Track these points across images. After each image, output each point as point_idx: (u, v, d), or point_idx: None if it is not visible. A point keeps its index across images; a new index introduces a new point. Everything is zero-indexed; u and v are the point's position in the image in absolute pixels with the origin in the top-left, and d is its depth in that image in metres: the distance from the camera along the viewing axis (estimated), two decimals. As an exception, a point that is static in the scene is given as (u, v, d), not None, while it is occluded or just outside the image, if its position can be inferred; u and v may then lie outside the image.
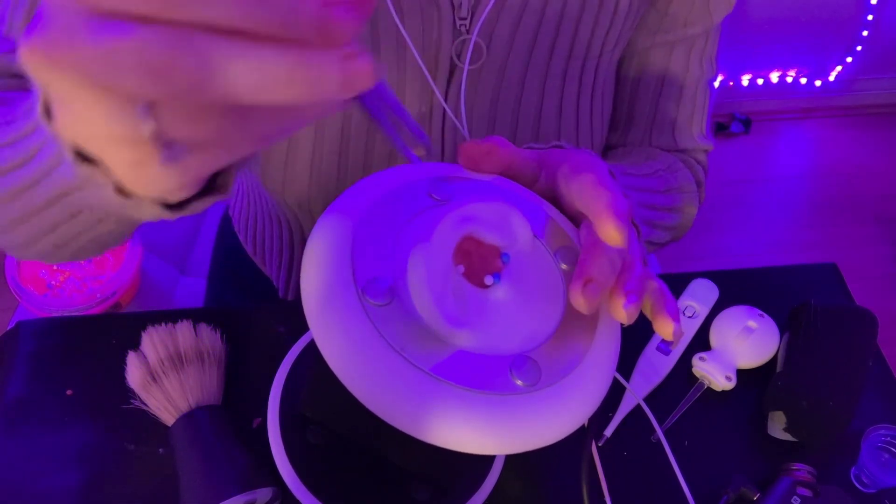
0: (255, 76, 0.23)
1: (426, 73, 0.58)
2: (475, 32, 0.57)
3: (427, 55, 0.58)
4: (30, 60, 0.23)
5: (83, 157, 0.30)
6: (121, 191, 0.30)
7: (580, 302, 0.37)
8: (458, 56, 0.58)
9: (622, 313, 0.37)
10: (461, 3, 0.56)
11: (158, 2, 0.22)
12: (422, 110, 0.60)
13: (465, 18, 0.57)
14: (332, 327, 0.34)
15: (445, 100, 0.60)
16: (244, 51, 0.22)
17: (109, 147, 0.26)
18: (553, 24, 0.59)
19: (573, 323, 0.39)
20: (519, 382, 0.35)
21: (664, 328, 0.39)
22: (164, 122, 0.24)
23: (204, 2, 0.22)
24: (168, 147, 0.25)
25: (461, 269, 0.38)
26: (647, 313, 0.40)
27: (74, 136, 0.27)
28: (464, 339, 0.36)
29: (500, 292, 0.38)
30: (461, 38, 0.58)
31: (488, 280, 0.38)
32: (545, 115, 0.64)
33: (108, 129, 0.24)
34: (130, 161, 0.26)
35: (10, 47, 0.54)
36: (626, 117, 0.73)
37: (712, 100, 0.73)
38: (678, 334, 0.39)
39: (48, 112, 0.29)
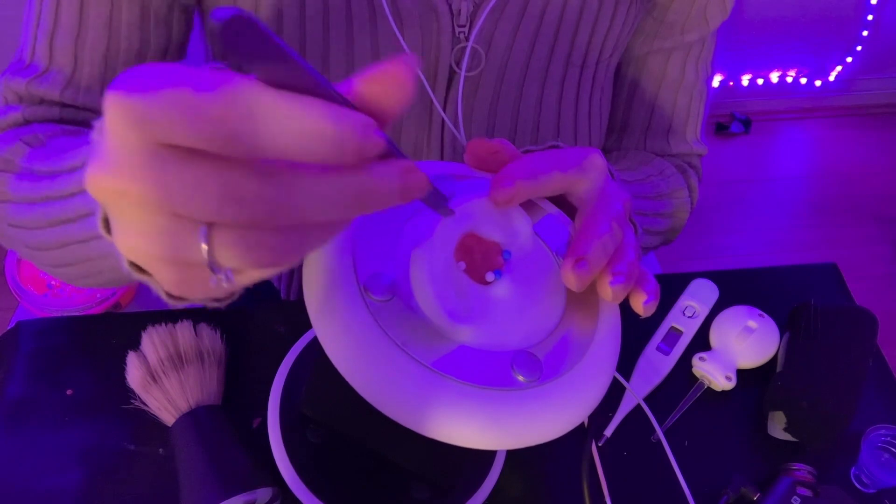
0: (328, 202, 0.25)
1: (424, 81, 0.58)
2: (473, 39, 0.57)
3: (426, 62, 0.58)
4: (93, 187, 0.25)
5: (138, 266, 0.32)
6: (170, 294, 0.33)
7: (570, 279, 0.37)
8: (457, 63, 0.59)
9: (608, 290, 0.38)
10: (460, 11, 0.56)
11: (224, 140, 0.23)
12: (421, 117, 0.60)
13: (463, 26, 0.57)
14: (334, 323, 0.34)
15: (444, 106, 0.60)
16: (318, 180, 0.24)
17: (162, 269, 0.27)
18: (551, 30, 0.60)
19: (574, 319, 0.39)
20: (520, 378, 0.35)
21: (636, 300, 0.40)
22: (219, 250, 0.25)
23: (268, 140, 0.23)
24: (219, 270, 0.26)
25: (462, 265, 0.38)
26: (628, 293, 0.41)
27: (129, 255, 0.28)
28: (465, 335, 0.36)
29: (501, 288, 0.38)
30: (460, 45, 0.58)
31: (489, 277, 0.38)
32: (543, 120, 0.64)
33: (164, 252, 0.25)
34: (180, 280, 0.27)
35: (35, 72, 0.56)
36: (622, 122, 0.74)
37: (707, 104, 0.74)
38: (648, 308, 0.40)
39: (107, 224, 0.32)
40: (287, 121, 0.23)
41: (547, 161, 0.40)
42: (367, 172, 0.25)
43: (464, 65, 0.58)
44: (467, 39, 0.58)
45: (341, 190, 0.25)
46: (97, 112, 0.58)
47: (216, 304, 0.36)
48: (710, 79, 0.73)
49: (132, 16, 0.55)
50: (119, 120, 0.23)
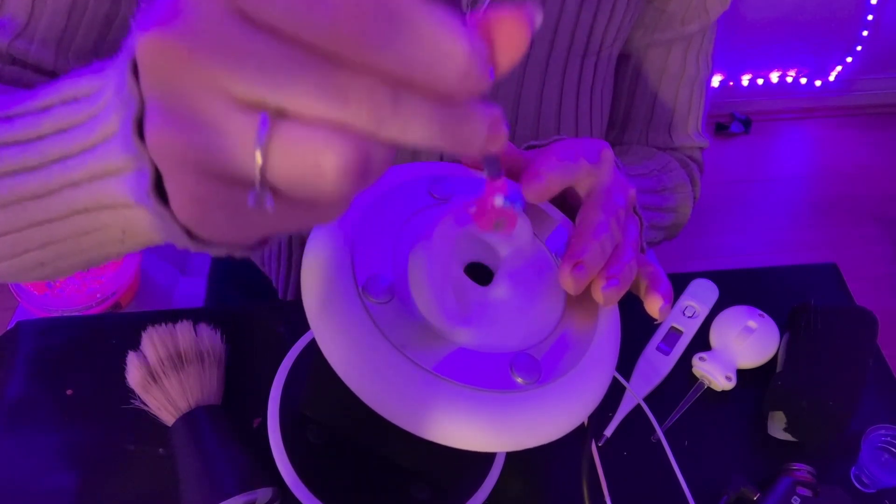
0: (424, 124, 0.22)
1: None
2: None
3: None
4: (148, 47, 0.21)
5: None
6: (189, 232, 0.28)
7: (568, 283, 0.37)
8: None
9: (599, 295, 0.38)
10: (459, 2, 0.56)
11: (348, 40, 0.20)
12: None
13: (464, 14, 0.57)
14: (332, 325, 0.34)
15: None
16: (425, 99, 0.22)
17: (192, 179, 0.23)
18: (552, 19, 0.60)
19: (573, 321, 0.39)
20: (519, 380, 0.35)
21: (652, 304, 0.40)
22: (277, 149, 0.21)
23: (397, 49, 0.20)
24: (262, 186, 0.22)
25: (462, 264, 0.38)
26: (641, 294, 0.42)
27: (159, 153, 0.24)
28: (464, 337, 0.36)
29: (500, 290, 0.38)
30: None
31: (497, 201, 0.35)
32: (544, 111, 0.64)
33: (206, 148, 0.22)
34: (208, 197, 0.24)
35: (12, 31, 0.50)
36: (623, 116, 0.74)
37: (708, 98, 0.74)
38: (664, 313, 0.41)
39: (138, 127, 0.27)
40: (425, 30, 0.20)
41: (571, 151, 0.40)
42: (467, 108, 0.23)
43: None
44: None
45: (441, 118, 0.22)
46: (46, 74, 0.51)
47: (225, 251, 0.30)
48: (711, 71, 0.73)
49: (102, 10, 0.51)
50: None
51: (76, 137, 0.32)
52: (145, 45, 0.21)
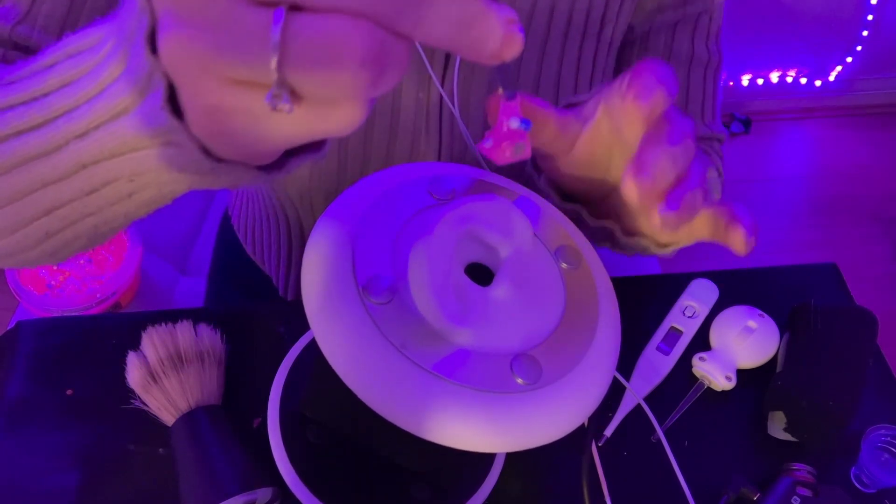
0: (442, 18, 0.22)
1: (424, 58, 0.57)
2: None
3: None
4: None
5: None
6: (206, 151, 0.28)
7: (630, 187, 0.33)
8: None
9: (656, 218, 0.34)
10: None
11: None
12: (419, 96, 0.60)
13: None
14: (332, 326, 0.34)
15: (442, 84, 0.59)
16: None
17: (210, 86, 0.23)
18: (546, 3, 0.59)
19: (574, 321, 0.39)
20: (520, 381, 0.35)
21: (734, 236, 0.36)
22: (294, 45, 0.21)
23: None
24: (280, 87, 0.22)
25: (462, 265, 0.38)
26: (714, 234, 0.38)
27: (175, 64, 0.23)
28: (465, 338, 0.36)
29: (500, 291, 0.38)
30: None
31: (514, 124, 0.34)
32: (542, 97, 0.63)
33: (223, 54, 0.22)
34: (227, 104, 0.23)
35: (14, 17, 0.50)
36: None
37: (720, 88, 0.70)
38: (749, 245, 0.36)
39: (151, 42, 0.26)
40: None
41: (677, 130, 0.36)
42: (482, 5, 0.23)
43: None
44: None
45: (457, 11, 0.22)
46: None
47: (246, 175, 0.30)
48: (722, 60, 0.68)
49: None
50: None
51: (81, 87, 0.32)
52: None
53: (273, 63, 0.21)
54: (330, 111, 0.24)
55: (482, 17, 0.23)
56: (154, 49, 0.27)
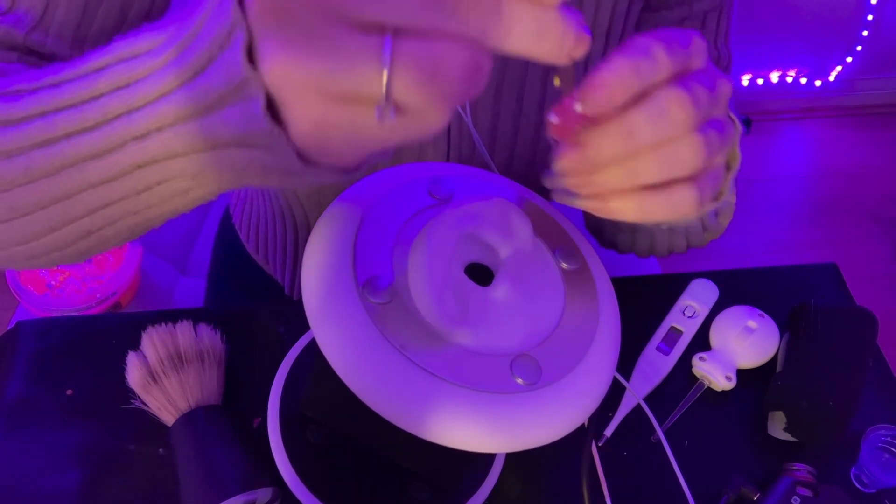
0: (525, 28, 0.24)
1: None
2: None
3: None
4: None
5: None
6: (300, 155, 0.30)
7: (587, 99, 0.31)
8: None
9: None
10: None
11: None
12: None
13: None
14: (332, 326, 0.34)
15: None
16: (517, 5, 0.24)
17: (315, 100, 0.25)
18: None
19: (573, 322, 0.39)
20: (519, 381, 0.35)
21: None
22: (400, 67, 0.24)
23: None
24: (387, 100, 0.25)
25: (462, 265, 0.38)
26: None
27: (280, 78, 0.26)
28: (464, 338, 0.36)
29: (500, 291, 0.38)
30: None
31: (578, 106, 0.32)
32: (548, 101, 0.63)
33: (331, 71, 0.24)
34: (332, 117, 0.26)
35: (11, 21, 0.49)
36: None
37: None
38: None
39: (249, 55, 0.28)
40: None
41: (642, 44, 0.32)
42: (557, 12, 0.25)
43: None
44: None
45: (538, 23, 0.25)
46: None
47: (333, 175, 0.32)
48: (731, 58, 0.67)
49: None
50: None
51: (139, 90, 0.32)
52: None
53: (384, 82, 0.24)
54: (424, 118, 0.26)
55: (557, 23, 0.25)
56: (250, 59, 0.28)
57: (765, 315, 0.67)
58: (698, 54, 0.34)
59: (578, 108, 0.31)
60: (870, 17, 1.92)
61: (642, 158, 0.33)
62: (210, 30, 0.29)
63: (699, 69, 0.34)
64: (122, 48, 0.34)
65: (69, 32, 0.50)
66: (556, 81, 0.32)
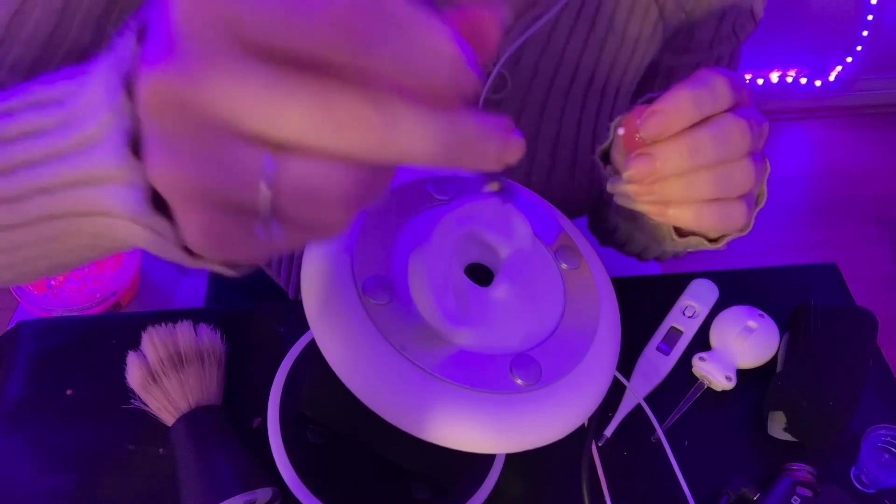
0: (428, 141, 0.21)
1: None
2: (500, 64, 0.57)
3: None
4: (157, 91, 0.20)
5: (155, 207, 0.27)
6: (189, 251, 0.28)
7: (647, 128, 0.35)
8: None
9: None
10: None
11: (342, 47, 0.19)
12: None
13: None
14: (332, 326, 0.34)
15: None
16: (425, 113, 0.21)
17: (197, 210, 0.23)
18: (575, 55, 0.60)
19: (573, 322, 0.39)
20: (519, 381, 0.35)
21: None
22: (284, 187, 0.21)
23: (389, 54, 0.20)
24: (268, 220, 0.22)
25: (462, 265, 0.38)
26: None
27: (161, 183, 0.23)
28: (464, 338, 0.36)
29: (500, 291, 0.38)
30: (486, 69, 0.57)
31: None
32: (562, 140, 0.64)
33: (211, 184, 0.22)
34: (214, 229, 0.23)
35: None
36: None
37: None
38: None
39: (134, 148, 0.26)
40: (414, 28, 0.20)
41: (702, 77, 0.38)
42: (469, 116, 0.22)
43: (485, 89, 0.58)
44: (493, 65, 0.57)
45: (442, 128, 0.21)
46: None
47: (230, 272, 0.30)
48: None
49: (95, 8, 0.49)
50: (200, 7, 0.19)
51: (46, 143, 0.31)
52: (149, 84, 0.21)
53: (266, 201, 0.22)
54: (315, 230, 0.24)
55: (478, 138, 0.22)
56: (136, 150, 0.27)
57: (765, 315, 0.67)
58: (746, 92, 0.39)
59: (639, 133, 0.34)
60: (870, 17, 1.92)
61: (701, 175, 0.37)
62: (97, 110, 0.28)
63: (747, 106, 0.39)
64: (35, 93, 0.32)
65: (23, 70, 0.49)
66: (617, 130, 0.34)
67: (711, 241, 0.49)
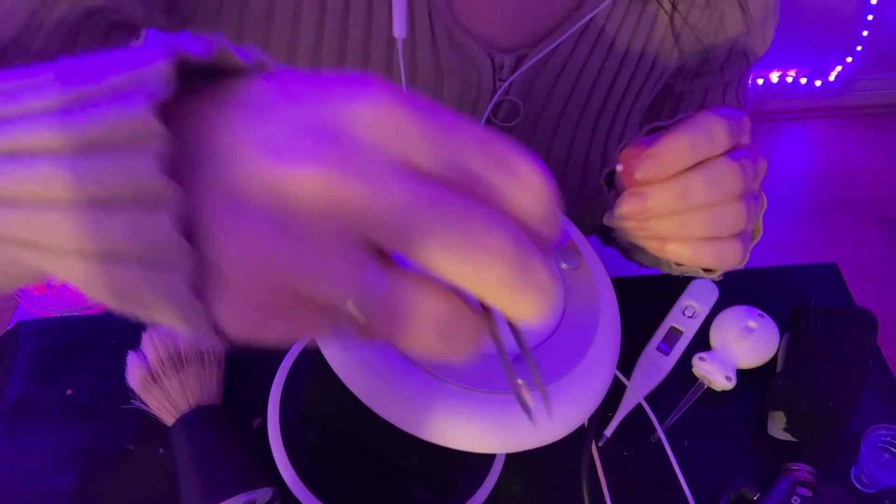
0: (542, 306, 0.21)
1: None
2: (513, 93, 0.57)
3: (462, 110, 0.58)
4: (312, 186, 0.19)
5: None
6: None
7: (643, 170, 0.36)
8: (495, 114, 0.59)
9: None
10: (503, 65, 0.56)
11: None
12: None
13: (504, 80, 0.57)
14: (332, 326, 0.34)
15: None
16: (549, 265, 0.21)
17: (286, 298, 0.21)
18: (588, 83, 0.60)
19: (573, 322, 0.39)
20: (519, 381, 0.35)
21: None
22: (377, 312, 0.20)
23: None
24: (346, 329, 0.21)
25: None
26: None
27: (265, 275, 0.20)
28: (464, 339, 0.36)
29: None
30: (499, 97, 0.58)
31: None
32: (572, 163, 0.64)
33: (322, 288, 0.20)
34: (287, 312, 0.21)
35: None
36: None
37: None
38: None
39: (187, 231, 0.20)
40: (522, 171, 0.21)
41: (699, 121, 0.39)
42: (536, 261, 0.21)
43: (486, 111, 0.58)
44: (507, 93, 0.58)
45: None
46: None
47: (221, 342, 0.25)
48: (750, 104, 0.71)
49: (74, 15, 0.47)
50: (392, 127, 0.19)
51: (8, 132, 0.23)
52: (277, 162, 0.19)
53: (351, 304, 0.20)
54: (390, 339, 0.22)
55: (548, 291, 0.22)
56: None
57: (765, 315, 0.67)
58: (747, 132, 0.40)
59: (636, 174, 0.36)
60: (870, 17, 1.92)
61: (693, 215, 0.38)
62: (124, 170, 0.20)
63: (746, 146, 0.40)
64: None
65: None
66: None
67: (707, 270, 0.50)
